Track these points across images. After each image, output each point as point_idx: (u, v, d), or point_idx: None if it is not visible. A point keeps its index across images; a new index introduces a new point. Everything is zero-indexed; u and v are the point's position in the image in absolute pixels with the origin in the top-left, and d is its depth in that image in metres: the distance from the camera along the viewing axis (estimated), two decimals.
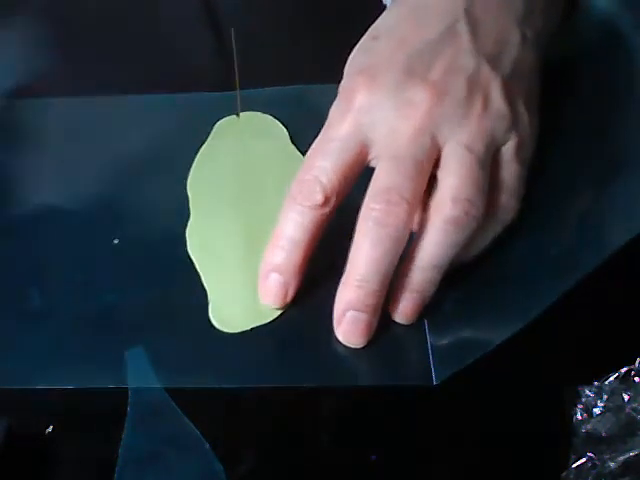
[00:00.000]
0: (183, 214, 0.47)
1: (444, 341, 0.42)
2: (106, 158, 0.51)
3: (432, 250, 0.41)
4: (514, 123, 0.42)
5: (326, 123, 0.43)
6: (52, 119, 0.52)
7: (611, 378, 0.40)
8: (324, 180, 0.41)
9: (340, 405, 0.41)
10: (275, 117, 0.52)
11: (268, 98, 0.52)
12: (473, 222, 0.40)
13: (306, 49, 0.45)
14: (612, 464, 0.38)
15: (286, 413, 0.41)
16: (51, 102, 0.53)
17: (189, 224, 0.47)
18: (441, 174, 0.41)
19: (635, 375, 0.40)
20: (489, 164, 0.42)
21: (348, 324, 0.41)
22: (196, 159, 0.51)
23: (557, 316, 0.42)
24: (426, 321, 0.43)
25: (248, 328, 0.43)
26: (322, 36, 0.45)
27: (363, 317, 0.41)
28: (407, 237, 0.40)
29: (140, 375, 0.41)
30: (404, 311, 0.42)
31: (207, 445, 0.39)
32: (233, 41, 0.52)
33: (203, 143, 0.51)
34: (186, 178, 0.49)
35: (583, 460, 0.38)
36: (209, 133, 0.52)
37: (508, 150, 0.43)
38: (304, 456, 0.40)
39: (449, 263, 0.41)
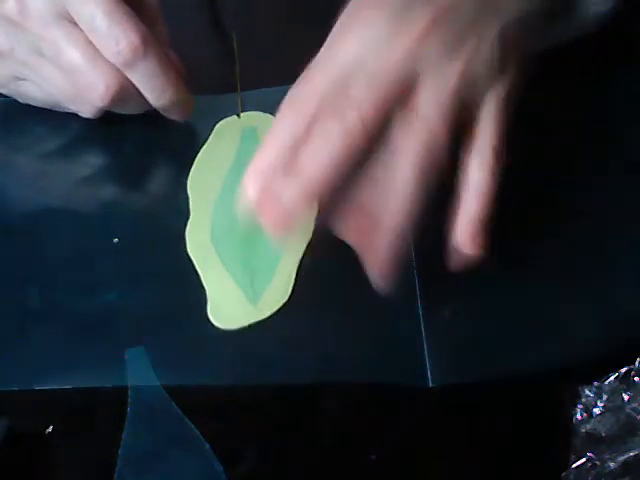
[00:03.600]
0: (183, 213, 0.47)
1: (442, 347, 0.42)
2: (106, 157, 0.51)
3: (405, 173, 0.40)
4: (500, 73, 0.43)
5: (328, 39, 0.43)
6: (50, 119, 0.52)
7: (611, 378, 0.40)
8: (321, 93, 0.42)
9: (340, 405, 0.41)
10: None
11: (269, 98, 0.52)
12: (436, 147, 0.40)
13: (306, 49, 0.45)
14: (612, 464, 0.38)
15: (286, 413, 0.41)
16: None
17: (189, 223, 0.47)
18: (416, 101, 0.41)
19: (635, 375, 0.40)
20: (464, 109, 0.42)
21: None
22: (196, 159, 0.51)
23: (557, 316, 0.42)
24: (422, 323, 0.43)
25: (246, 325, 0.43)
26: (322, 36, 0.45)
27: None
28: (355, 148, 0.40)
29: (140, 374, 0.41)
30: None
31: (207, 445, 0.39)
32: (235, 44, 0.52)
33: (204, 143, 0.51)
34: (186, 178, 0.49)
35: (583, 460, 0.38)
36: (210, 133, 0.52)
37: (490, 112, 0.43)
38: (304, 456, 0.40)
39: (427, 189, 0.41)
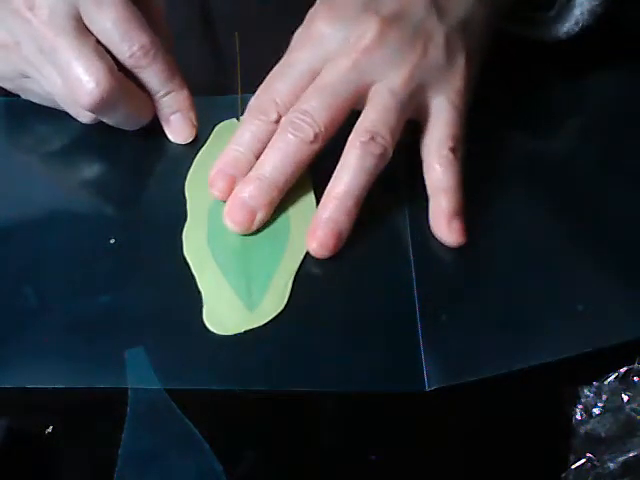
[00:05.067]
0: (180, 216, 0.47)
1: (439, 351, 0.42)
2: (104, 159, 0.51)
3: (345, 178, 0.44)
4: (450, 73, 0.46)
5: (289, 48, 0.48)
6: (50, 119, 0.52)
7: (610, 378, 0.40)
8: (279, 102, 0.46)
9: (340, 405, 0.41)
10: None
11: None
12: (378, 151, 0.44)
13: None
14: (611, 465, 0.38)
15: (286, 413, 0.41)
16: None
17: (185, 226, 0.47)
18: (363, 110, 0.45)
19: (635, 375, 0.40)
20: (412, 109, 0.46)
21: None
22: (194, 162, 0.51)
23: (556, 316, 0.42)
24: (420, 327, 0.43)
25: (241, 331, 0.43)
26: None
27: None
28: (309, 155, 0.45)
29: (140, 375, 0.41)
30: (321, 241, 0.44)
31: (207, 445, 0.39)
32: (237, 45, 0.53)
33: (202, 146, 0.51)
34: (184, 180, 0.49)
35: (583, 461, 0.38)
36: (208, 136, 0.52)
37: (445, 97, 0.46)
38: (304, 456, 0.40)
39: (363, 192, 0.45)
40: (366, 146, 0.44)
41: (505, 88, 0.48)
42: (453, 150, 0.45)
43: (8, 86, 0.52)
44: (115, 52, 0.48)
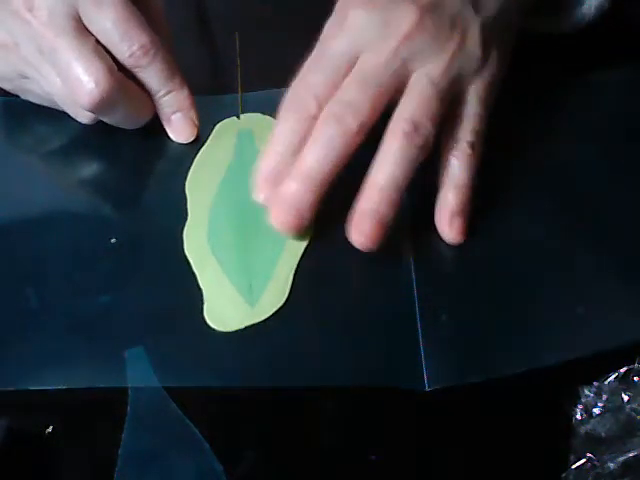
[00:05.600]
0: (181, 214, 0.47)
1: (439, 352, 0.42)
2: (104, 158, 0.51)
3: (387, 168, 0.43)
4: (484, 67, 0.46)
5: (321, 37, 0.46)
6: (49, 119, 0.52)
7: (611, 378, 0.40)
8: (318, 94, 0.44)
9: (340, 405, 0.41)
10: (275, 119, 0.52)
11: (268, 100, 0.52)
12: (421, 141, 0.43)
13: (305, 50, 0.46)
14: (611, 465, 0.38)
15: (286, 413, 0.41)
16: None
17: (186, 224, 0.47)
18: (402, 99, 0.44)
19: (635, 375, 0.40)
20: (449, 99, 0.44)
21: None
22: (195, 160, 0.51)
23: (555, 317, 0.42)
24: (420, 327, 0.43)
25: (242, 327, 0.43)
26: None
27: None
28: (353, 147, 0.43)
29: (140, 375, 0.41)
30: (367, 233, 0.43)
31: (207, 445, 0.39)
32: (237, 44, 0.53)
33: (203, 144, 0.51)
34: (184, 179, 0.49)
35: (583, 461, 0.38)
36: (208, 135, 0.52)
37: (474, 90, 0.45)
38: (304, 456, 0.40)
39: (406, 183, 0.43)
40: (409, 136, 0.42)
41: (505, 87, 0.48)
42: (472, 146, 0.45)
43: (7, 87, 0.52)
44: (115, 52, 0.47)
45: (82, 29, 0.47)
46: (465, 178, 0.45)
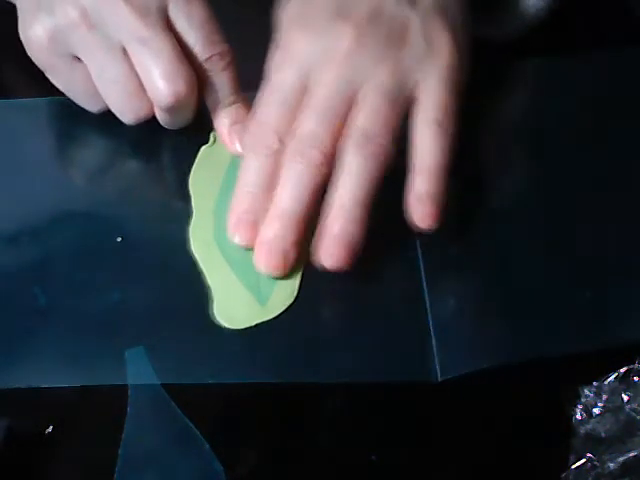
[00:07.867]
0: (186, 212, 0.48)
1: (450, 340, 0.42)
2: (108, 157, 0.51)
3: (349, 186, 0.43)
4: (435, 54, 0.45)
5: (268, 69, 0.46)
6: (53, 118, 0.52)
7: (611, 378, 0.40)
8: (276, 129, 0.44)
9: (340, 405, 0.41)
10: None
11: None
12: (377, 150, 0.43)
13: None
14: (611, 465, 0.38)
15: (286, 413, 0.41)
16: (54, 101, 0.53)
17: (191, 222, 0.47)
18: (355, 114, 0.44)
19: (635, 375, 0.40)
20: (403, 99, 0.44)
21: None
22: (198, 157, 0.51)
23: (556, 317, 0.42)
24: (430, 317, 0.43)
25: (252, 324, 0.43)
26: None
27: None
28: (323, 178, 0.43)
29: (140, 374, 0.41)
30: (337, 257, 0.42)
31: (207, 445, 0.39)
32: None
33: (206, 141, 0.51)
34: (188, 176, 0.50)
35: (583, 461, 0.39)
36: (209, 133, 0.52)
37: (431, 76, 0.45)
38: (304, 456, 0.40)
39: (370, 198, 0.43)
40: (363, 149, 0.43)
41: (505, 87, 0.48)
42: (438, 123, 0.44)
43: (46, 61, 0.49)
44: (195, 51, 0.46)
45: (169, 25, 0.46)
46: (431, 157, 0.44)
